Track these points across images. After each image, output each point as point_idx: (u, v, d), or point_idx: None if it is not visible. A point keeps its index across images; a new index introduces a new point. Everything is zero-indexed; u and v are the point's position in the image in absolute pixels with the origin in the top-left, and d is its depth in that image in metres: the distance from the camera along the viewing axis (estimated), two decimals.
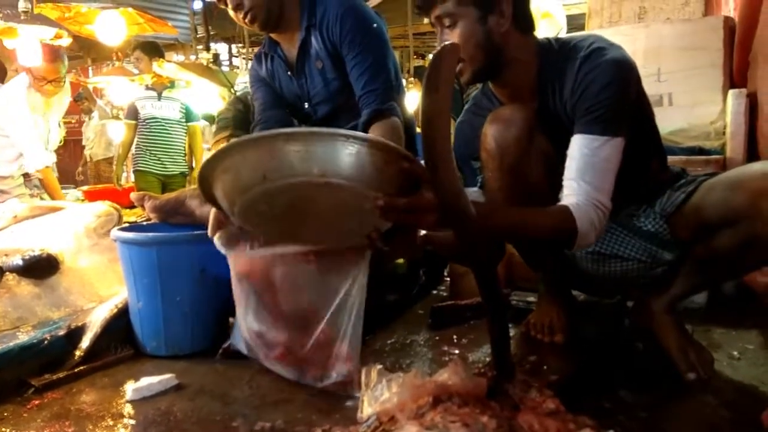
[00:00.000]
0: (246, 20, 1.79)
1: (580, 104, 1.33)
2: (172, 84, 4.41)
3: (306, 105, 1.98)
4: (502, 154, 1.37)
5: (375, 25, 1.82)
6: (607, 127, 1.30)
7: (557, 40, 1.45)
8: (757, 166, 1.33)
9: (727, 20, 2.62)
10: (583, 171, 1.30)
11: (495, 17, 1.35)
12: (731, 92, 2.42)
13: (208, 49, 5.40)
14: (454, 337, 1.70)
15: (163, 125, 4.43)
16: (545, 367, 1.43)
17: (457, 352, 1.60)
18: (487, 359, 1.50)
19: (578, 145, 1.32)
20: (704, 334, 1.65)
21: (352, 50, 1.78)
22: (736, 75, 2.60)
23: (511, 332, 1.61)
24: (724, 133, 2.46)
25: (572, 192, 1.30)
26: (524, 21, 1.40)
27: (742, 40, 2.54)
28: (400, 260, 2.07)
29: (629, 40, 2.64)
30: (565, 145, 1.38)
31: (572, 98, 1.35)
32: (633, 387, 1.33)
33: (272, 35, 1.95)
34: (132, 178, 5.09)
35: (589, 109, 1.31)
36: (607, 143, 1.30)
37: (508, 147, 1.36)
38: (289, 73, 1.96)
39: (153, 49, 4.40)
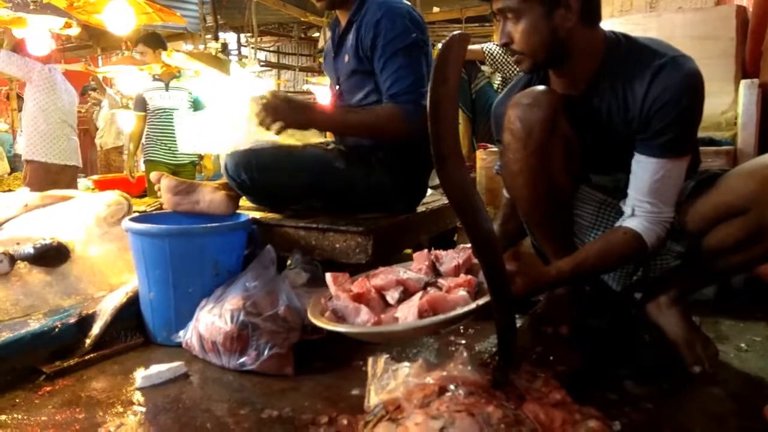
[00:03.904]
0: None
1: (655, 122, 1.30)
2: (179, 73, 4.41)
3: (337, 86, 2.07)
4: (528, 135, 1.35)
5: (414, 35, 1.80)
6: (682, 149, 1.33)
7: (625, 37, 1.39)
8: None
9: (740, 9, 2.58)
10: (654, 192, 1.34)
11: (561, 11, 1.30)
12: (743, 82, 2.39)
13: (216, 38, 5.39)
14: (461, 327, 1.70)
15: (171, 115, 4.43)
16: (551, 358, 1.44)
17: (463, 342, 1.61)
18: (494, 350, 1.50)
19: (652, 169, 1.33)
20: (712, 326, 1.64)
21: (384, 54, 1.80)
22: (748, 65, 2.56)
23: (518, 323, 1.62)
24: (735, 124, 2.43)
25: (643, 212, 1.35)
26: (592, 14, 1.35)
27: (755, 29, 2.50)
28: (408, 250, 2.07)
29: (641, 29, 2.60)
30: (594, 135, 1.39)
31: (643, 110, 1.31)
32: (639, 379, 1.34)
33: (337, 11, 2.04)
34: (143, 167, 5.11)
35: (665, 130, 1.30)
36: (678, 163, 1.33)
37: (532, 128, 1.35)
38: (332, 50, 2.06)
39: (156, 41, 4.37)
